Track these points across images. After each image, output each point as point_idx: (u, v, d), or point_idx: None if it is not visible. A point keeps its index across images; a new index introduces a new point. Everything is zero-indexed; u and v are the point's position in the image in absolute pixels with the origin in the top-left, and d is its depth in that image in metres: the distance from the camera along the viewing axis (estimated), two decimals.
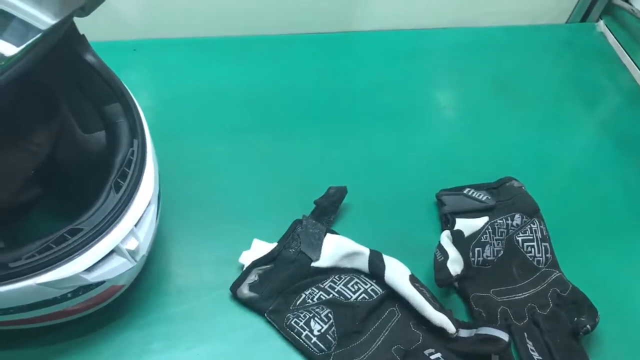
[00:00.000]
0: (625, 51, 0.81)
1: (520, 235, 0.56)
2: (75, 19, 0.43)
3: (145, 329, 0.49)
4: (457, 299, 0.54)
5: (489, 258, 0.55)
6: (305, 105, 0.68)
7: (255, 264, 0.52)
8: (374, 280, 0.52)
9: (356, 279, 0.52)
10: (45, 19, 0.34)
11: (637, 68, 0.78)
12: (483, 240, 0.55)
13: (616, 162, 0.68)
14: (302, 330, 0.48)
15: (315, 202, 0.56)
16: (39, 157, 0.47)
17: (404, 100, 0.71)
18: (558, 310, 0.52)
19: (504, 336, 0.48)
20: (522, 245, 0.56)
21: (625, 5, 0.82)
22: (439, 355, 0.47)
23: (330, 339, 0.48)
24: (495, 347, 0.48)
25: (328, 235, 0.54)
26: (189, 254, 0.54)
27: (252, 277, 0.51)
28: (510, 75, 0.76)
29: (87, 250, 0.40)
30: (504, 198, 0.59)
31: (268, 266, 0.52)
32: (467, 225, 0.55)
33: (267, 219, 0.56)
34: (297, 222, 0.55)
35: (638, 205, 0.64)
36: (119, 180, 0.42)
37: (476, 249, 0.54)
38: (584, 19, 0.86)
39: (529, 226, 0.57)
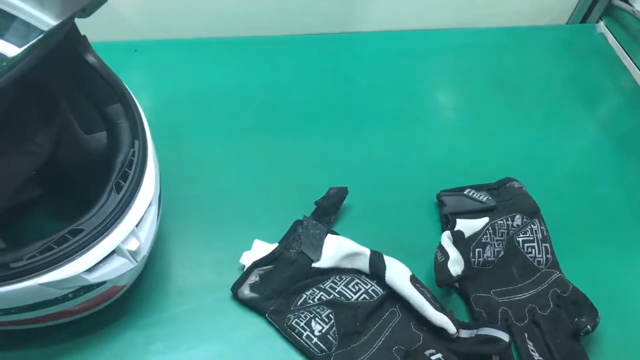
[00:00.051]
0: (626, 52, 0.81)
1: (521, 235, 0.57)
2: (77, 20, 0.43)
3: (147, 330, 0.49)
4: (458, 300, 0.54)
5: (489, 259, 0.55)
6: (306, 106, 0.68)
7: (256, 264, 0.52)
8: (375, 281, 0.52)
9: (357, 280, 0.52)
10: (47, 20, 0.34)
11: (637, 69, 0.78)
12: (483, 240, 0.55)
13: (616, 163, 0.68)
14: (303, 331, 0.48)
15: (316, 203, 0.56)
16: (40, 158, 0.47)
17: (404, 101, 0.71)
18: (558, 310, 0.52)
19: (505, 337, 0.48)
20: (523, 245, 0.56)
21: (625, 6, 0.82)
22: (439, 355, 0.47)
23: (331, 339, 0.48)
24: (496, 348, 0.48)
25: (329, 235, 0.54)
26: (190, 254, 0.54)
27: (253, 278, 0.51)
28: (510, 76, 0.76)
29: (88, 250, 0.40)
30: (505, 199, 0.59)
31: (269, 267, 0.52)
32: (468, 225, 0.55)
33: (268, 220, 0.56)
34: (298, 223, 0.55)
35: (638, 205, 0.64)
36: (120, 180, 0.42)
37: (477, 250, 0.55)
38: (584, 20, 0.86)
39: (529, 227, 0.57)
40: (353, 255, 0.53)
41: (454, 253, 0.52)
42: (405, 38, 0.79)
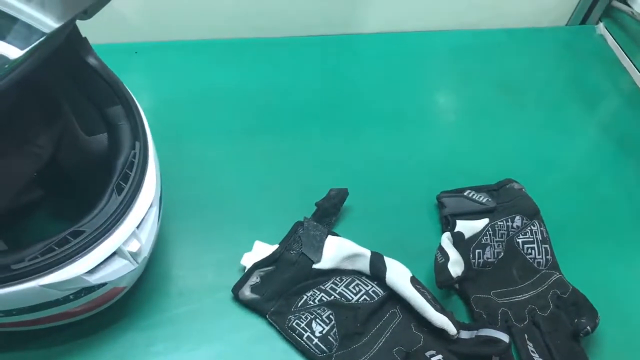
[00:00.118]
0: (625, 53, 0.81)
1: (521, 237, 0.57)
2: (78, 22, 0.44)
3: (148, 331, 0.49)
4: (458, 301, 0.54)
5: (489, 260, 0.55)
6: (306, 107, 0.68)
7: (257, 265, 0.52)
8: (375, 282, 0.52)
9: (357, 281, 0.52)
10: (48, 22, 0.34)
11: (637, 70, 0.79)
12: (483, 242, 0.55)
13: (616, 164, 0.68)
14: (303, 332, 0.49)
15: (316, 204, 0.56)
16: (42, 159, 0.47)
17: (405, 102, 0.71)
18: (558, 311, 0.52)
19: (505, 337, 0.48)
20: (523, 247, 0.56)
21: (625, 7, 0.82)
22: (440, 357, 0.48)
23: (332, 340, 0.48)
24: (496, 349, 0.48)
25: (329, 237, 0.54)
26: (191, 255, 0.54)
27: (254, 279, 0.51)
28: (510, 77, 0.76)
29: (89, 252, 0.40)
30: (504, 200, 0.59)
31: (270, 268, 0.52)
32: (468, 227, 0.56)
33: (269, 221, 0.56)
34: (299, 224, 0.55)
35: (638, 206, 0.64)
36: (121, 182, 0.42)
37: (476, 251, 0.55)
38: (583, 21, 0.86)
39: (529, 228, 0.57)
40: (353, 256, 0.53)
41: (454, 254, 0.52)
42: (405, 39, 0.79)
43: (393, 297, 0.51)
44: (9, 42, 0.33)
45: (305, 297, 0.51)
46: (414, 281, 0.51)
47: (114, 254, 0.41)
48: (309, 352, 0.48)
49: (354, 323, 0.49)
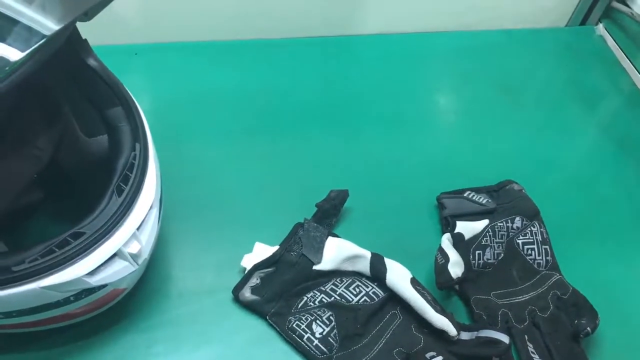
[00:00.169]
0: (625, 54, 0.81)
1: (521, 238, 0.57)
2: (78, 24, 0.44)
3: (148, 332, 0.49)
4: (458, 302, 0.54)
5: (489, 261, 0.55)
6: (306, 109, 0.68)
7: (257, 267, 0.52)
8: (376, 283, 0.52)
9: (358, 282, 0.52)
10: (49, 24, 0.34)
11: (636, 71, 0.79)
12: (483, 243, 0.55)
13: (616, 165, 0.68)
14: (304, 333, 0.49)
15: (316, 205, 0.56)
16: (42, 161, 0.47)
17: (405, 103, 0.71)
18: (558, 312, 0.52)
19: (505, 339, 0.48)
20: (523, 248, 0.56)
21: (624, 8, 0.82)
22: (440, 358, 0.48)
23: (332, 341, 0.48)
24: (496, 350, 0.48)
25: (330, 238, 0.54)
26: (191, 257, 0.54)
27: (254, 280, 0.51)
28: (510, 78, 0.77)
29: (89, 253, 0.40)
30: (504, 201, 0.59)
31: (270, 269, 0.52)
32: (468, 228, 0.56)
33: (269, 222, 0.56)
34: (299, 225, 0.55)
35: (638, 207, 0.64)
36: (121, 184, 0.42)
37: (477, 252, 0.55)
38: (583, 22, 0.86)
39: (529, 229, 0.57)
40: (354, 257, 0.53)
41: (454, 255, 0.52)
42: (405, 40, 0.79)
43: (393, 298, 0.51)
44: (9, 44, 0.33)
45: (305, 298, 0.51)
46: (414, 282, 0.51)
47: (114, 255, 0.41)
48: (309, 354, 0.48)
49: (354, 324, 0.49)
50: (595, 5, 0.84)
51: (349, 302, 0.50)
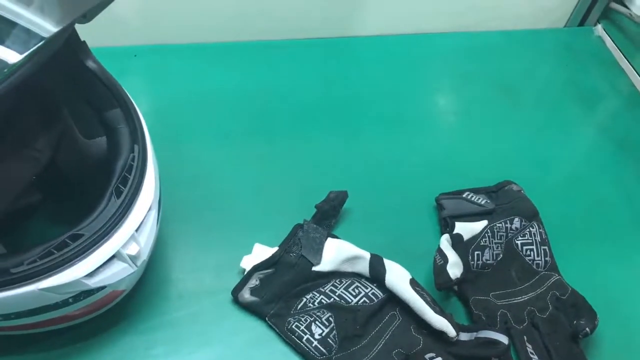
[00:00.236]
0: (623, 55, 0.81)
1: (520, 238, 0.57)
2: (76, 25, 0.44)
3: (147, 334, 0.49)
4: (457, 303, 0.54)
5: (488, 262, 0.55)
6: (306, 110, 0.68)
7: (257, 268, 0.52)
8: (375, 284, 0.52)
9: (357, 283, 0.52)
10: (47, 27, 0.34)
11: (635, 72, 0.79)
12: (482, 243, 0.55)
13: (615, 166, 0.68)
14: (303, 334, 0.49)
15: (316, 207, 0.56)
16: (40, 163, 0.47)
17: (404, 105, 0.71)
18: (557, 313, 0.52)
19: (504, 339, 0.48)
20: (522, 248, 0.56)
21: (623, 9, 0.82)
22: (439, 359, 0.48)
23: (331, 342, 0.48)
24: (495, 351, 0.48)
25: (329, 239, 0.54)
26: (190, 258, 0.54)
27: (253, 282, 0.51)
28: (509, 78, 0.77)
29: (88, 255, 0.40)
30: (503, 202, 0.59)
31: (269, 270, 0.52)
32: (467, 228, 0.56)
33: (268, 224, 0.56)
34: (298, 227, 0.55)
35: (637, 208, 0.64)
36: (119, 185, 0.42)
37: (475, 253, 0.55)
38: (581, 23, 0.86)
39: (528, 230, 0.57)
40: (353, 258, 0.53)
41: (452, 256, 0.52)
42: (404, 42, 0.79)
43: (392, 299, 0.51)
44: (7, 47, 0.33)
45: (304, 299, 0.51)
46: (414, 283, 0.51)
47: (113, 257, 0.41)
48: (308, 355, 0.48)
49: (353, 325, 0.49)
50: (593, 6, 0.84)
51: (349, 303, 0.50)
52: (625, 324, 0.54)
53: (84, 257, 0.40)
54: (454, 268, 0.51)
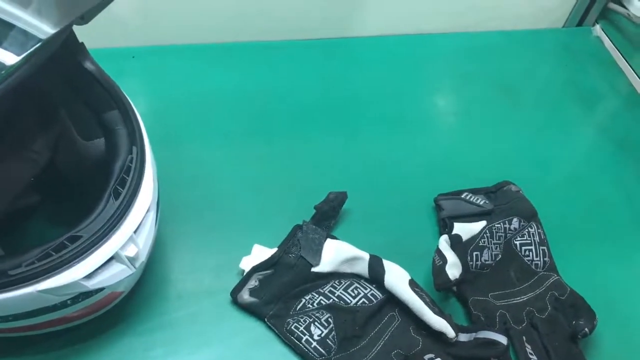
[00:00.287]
0: (622, 55, 0.81)
1: (518, 239, 0.57)
2: (74, 27, 0.44)
3: (146, 335, 0.49)
4: (456, 303, 0.54)
5: (487, 262, 0.55)
6: (305, 111, 0.68)
7: (256, 269, 0.52)
8: (374, 285, 0.52)
9: (356, 284, 0.52)
10: (45, 28, 0.34)
11: (633, 72, 0.79)
12: (481, 244, 0.55)
13: (614, 166, 0.68)
14: (302, 335, 0.49)
15: (315, 207, 0.56)
16: (39, 165, 0.47)
17: (403, 105, 0.71)
18: (556, 313, 0.52)
19: (503, 340, 0.48)
20: (520, 249, 0.56)
21: (621, 9, 0.83)
22: None
23: (331, 343, 0.48)
24: (495, 351, 0.48)
25: (328, 240, 0.54)
26: (189, 259, 0.54)
27: (253, 282, 0.51)
28: (508, 79, 0.77)
29: (86, 257, 0.40)
30: (502, 202, 0.59)
31: (268, 271, 0.52)
32: (465, 229, 0.56)
33: (267, 225, 0.56)
34: (297, 228, 0.55)
35: (636, 208, 0.64)
36: (118, 187, 0.42)
37: (474, 253, 0.55)
38: (580, 23, 0.87)
39: (526, 230, 0.57)
40: (352, 259, 0.53)
41: (451, 257, 0.52)
42: (404, 42, 0.79)
43: (392, 300, 0.51)
44: (5, 49, 0.33)
45: (304, 300, 0.51)
46: (413, 284, 0.51)
47: (111, 258, 0.41)
48: (307, 356, 0.48)
49: (352, 326, 0.49)
50: (592, 6, 0.84)
51: (348, 304, 0.50)
52: (624, 324, 0.54)
53: (83, 259, 0.40)
54: (453, 269, 0.51)
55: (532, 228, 0.57)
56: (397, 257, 0.53)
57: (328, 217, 0.56)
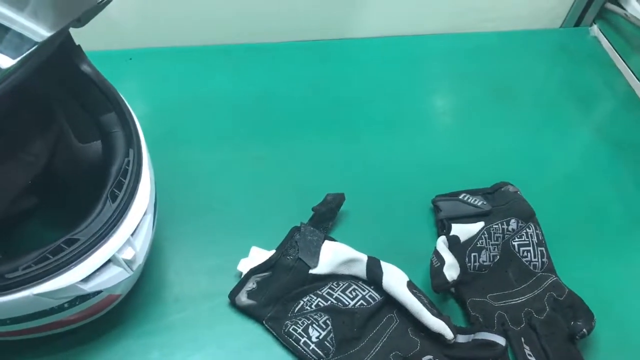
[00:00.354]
0: (619, 55, 0.81)
1: (516, 240, 0.57)
2: (71, 29, 0.43)
3: (143, 338, 0.49)
4: (454, 305, 0.54)
5: (485, 263, 0.55)
6: (302, 113, 0.68)
7: (254, 271, 0.52)
8: (372, 287, 0.52)
9: (354, 286, 0.52)
10: (41, 31, 0.34)
11: (630, 72, 0.79)
12: (479, 245, 0.55)
13: (611, 166, 0.68)
14: (300, 337, 0.48)
15: (313, 209, 0.56)
16: (36, 168, 0.47)
17: (400, 106, 0.71)
18: (554, 314, 0.52)
19: (501, 341, 0.48)
20: (518, 250, 0.56)
21: (618, 9, 0.83)
22: None
23: (329, 345, 0.48)
24: (493, 352, 0.48)
25: (326, 242, 0.54)
26: (187, 262, 0.54)
27: (250, 285, 0.51)
28: (505, 80, 0.77)
29: (83, 260, 0.40)
30: (500, 203, 0.59)
31: (266, 273, 0.52)
32: (463, 230, 0.56)
33: (265, 227, 0.56)
34: (295, 229, 0.55)
35: (633, 209, 0.64)
36: (115, 190, 0.42)
37: (472, 254, 0.55)
38: (577, 23, 0.87)
39: (524, 231, 0.57)
40: (350, 261, 0.53)
41: (449, 258, 0.52)
42: (400, 43, 0.79)
43: (390, 301, 0.51)
44: (0, 52, 0.33)
45: (302, 302, 0.51)
46: (411, 286, 0.51)
47: (108, 261, 0.41)
48: (305, 358, 0.48)
49: (350, 328, 0.49)
50: (589, 6, 0.84)
51: (346, 305, 0.50)
52: (622, 325, 0.54)
53: (80, 262, 0.40)
54: (451, 270, 0.51)
55: (530, 229, 0.57)
56: (395, 259, 0.53)
57: (326, 218, 0.56)
